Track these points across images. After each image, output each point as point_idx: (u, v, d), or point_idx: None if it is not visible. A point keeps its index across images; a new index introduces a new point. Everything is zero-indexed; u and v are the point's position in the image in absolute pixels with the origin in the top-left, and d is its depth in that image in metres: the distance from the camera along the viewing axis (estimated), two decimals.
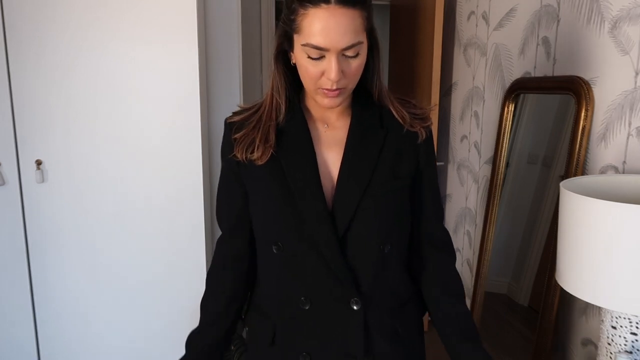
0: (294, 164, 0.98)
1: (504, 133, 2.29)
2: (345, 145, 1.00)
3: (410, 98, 1.08)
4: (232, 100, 2.29)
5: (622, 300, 1.08)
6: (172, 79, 1.83)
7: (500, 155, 2.30)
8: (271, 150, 0.97)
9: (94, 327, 1.96)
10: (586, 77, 1.77)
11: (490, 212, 2.33)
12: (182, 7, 1.79)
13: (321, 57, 0.89)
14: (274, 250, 1.00)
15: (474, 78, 2.64)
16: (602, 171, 1.71)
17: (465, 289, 2.84)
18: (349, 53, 0.89)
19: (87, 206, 1.86)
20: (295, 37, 0.92)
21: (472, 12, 2.62)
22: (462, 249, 2.80)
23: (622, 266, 1.07)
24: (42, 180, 1.83)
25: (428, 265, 1.09)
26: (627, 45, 1.58)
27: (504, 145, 2.29)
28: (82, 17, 1.74)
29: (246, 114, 1.04)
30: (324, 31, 0.86)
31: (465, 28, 2.72)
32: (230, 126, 1.04)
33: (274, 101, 1.01)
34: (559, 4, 1.91)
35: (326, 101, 0.95)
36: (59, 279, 1.90)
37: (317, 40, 0.86)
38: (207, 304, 1.12)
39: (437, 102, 2.75)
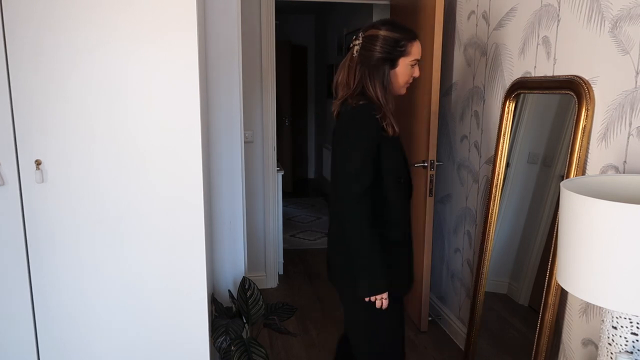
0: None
1: (504, 133, 2.28)
2: None
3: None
4: (232, 100, 2.29)
5: (623, 300, 1.08)
6: (171, 79, 1.83)
7: (500, 155, 2.30)
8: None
9: (94, 326, 1.95)
10: (586, 76, 1.77)
11: (490, 212, 2.33)
12: (181, 7, 1.79)
13: (415, 66, 1.73)
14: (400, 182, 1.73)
15: (474, 78, 2.64)
16: (603, 171, 1.71)
17: (465, 289, 2.84)
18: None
19: (86, 206, 1.86)
20: (402, 58, 1.69)
21: (472, 12, 2.62)
22: (462, 249, 2.79)
23: (622, 266, 1.07)
24: (42, 180, 1.82)
25: None
26: (628, 45, 1.58)
27: (504, 145, 2.29)
28: (81, 17, 1.74)
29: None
30: (420, 52, 1.73)
31: (465, 28, 2.72)
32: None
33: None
34: (559, 3, 1.91)
35: (404, 90, 1.76)
36: (59, 279, 1.90)
37: (418, 55, 1.73)
38: (369, 234, 1.61)
39: (437, 102, 2.74)
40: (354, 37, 1.73)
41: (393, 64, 1.68)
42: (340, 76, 1.74)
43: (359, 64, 1.68)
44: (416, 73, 1.74)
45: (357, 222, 1.59)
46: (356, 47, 1.70)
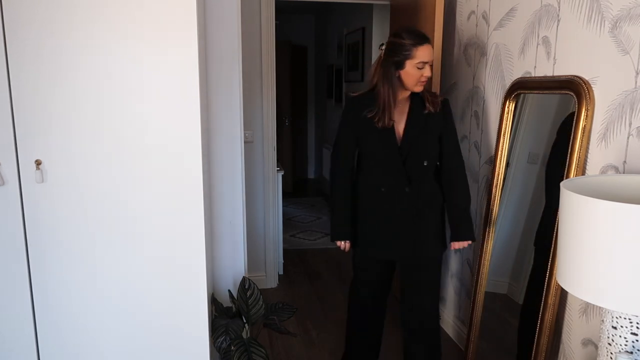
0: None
1: (504, 133, 2.29)
2: (407, 118, 2.08)
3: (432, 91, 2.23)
4: (232, 100, 2.29)
5: (623, 300, 1.08)
6: (171, 79, 1.83)
7: (500, 155, 2.30)
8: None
9: (94, 326, 1.95)
10: (586, 76, 1.77)
11: (490, 212, 2.33)
12: (181, 7, 1.79)
13: (423, 67, 2.00)
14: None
15: (474, 78, 2.64)
16: (602, 171, 1.71)
17: (465, 289, 2.84)
18: (429, 64, 2.02)
19: (87, 206, 1.86)
20: (408, 61, 1.98)
21: (472, 12, 2.62)
22: (462, 249, 2.79)
23: (622, 266, 1.07)
24: (42, 180, 1.82)
25: (446, 176, 2.16)
26: (628, 45, 1.58)
27: (504, 145, 2.29)
28: (81, 17, 1.74)
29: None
30: (427, 55, 1.99)
31: (465, 28, 2.72)
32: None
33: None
34: (559, 3, 1.91)
35: (419, 88, 2.04)
36: (59, 280, 1.90)
37: (425, 58, 1.99)
38: (342, 181, 2.19)
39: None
40: (381, 43, 2.13)
41: (400, 65, 2.00)
42: (371, 69, 2.15)
43: (381, 64, 2.06)
44: (427, 73, 2.01)
45: (331, 183, 2.22)
46: (382, 51, 2.09)
